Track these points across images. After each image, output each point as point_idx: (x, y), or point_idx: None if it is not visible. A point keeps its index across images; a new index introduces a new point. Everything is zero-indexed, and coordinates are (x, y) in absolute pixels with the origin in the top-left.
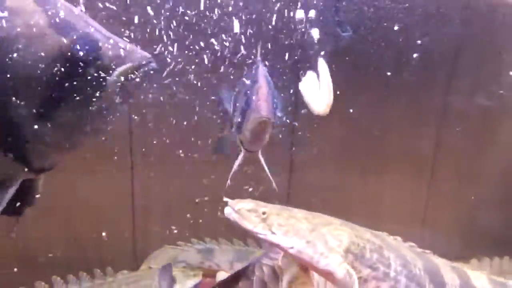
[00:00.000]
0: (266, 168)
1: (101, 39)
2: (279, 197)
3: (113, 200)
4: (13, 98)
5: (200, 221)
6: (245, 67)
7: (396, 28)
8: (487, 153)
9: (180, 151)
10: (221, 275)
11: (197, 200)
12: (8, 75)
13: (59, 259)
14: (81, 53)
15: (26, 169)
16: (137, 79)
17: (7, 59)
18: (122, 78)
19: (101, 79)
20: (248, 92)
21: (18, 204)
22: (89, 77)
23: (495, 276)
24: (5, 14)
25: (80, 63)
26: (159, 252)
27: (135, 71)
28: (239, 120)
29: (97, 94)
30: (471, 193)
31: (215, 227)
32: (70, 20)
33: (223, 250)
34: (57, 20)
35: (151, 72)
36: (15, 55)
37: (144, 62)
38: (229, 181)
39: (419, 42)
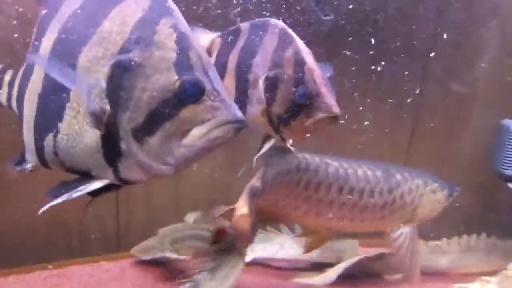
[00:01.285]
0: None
1: (208, 89)
2: None
3: None
4: (125, 113)
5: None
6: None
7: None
8: (459, 139)
9: None
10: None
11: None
12: (127, 96)
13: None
14: (183, 94)
15: (114, 176)
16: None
17: (132, 80)
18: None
19: (191, 124)
20: (286, 72)
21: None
22: (182, 117)
23: None
24: (151, 46)
25: (180, 103)
26: None
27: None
28: (285, 109)
29: (184, 134)
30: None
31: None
32: (193, 65)
33: None
34: (182, 60)
35: (237, 130)
36: (139, 79)
37: (234, 120)
38: (254, 163)
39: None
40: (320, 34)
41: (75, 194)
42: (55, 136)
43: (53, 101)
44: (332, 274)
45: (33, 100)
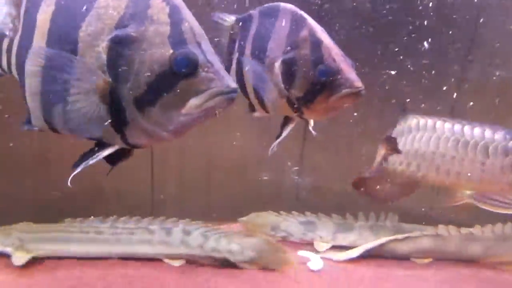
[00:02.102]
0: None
1: (201, 61)
2: None
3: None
4: (126, 85)
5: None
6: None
7: None
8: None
9: None
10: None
11: None
12: (127, 69)
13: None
14: (178, 67)
15: (123, 142)
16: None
17: (130, 54)
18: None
19: (188, 96)
20: (303, 53)
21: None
22: (179, 89)
23: None
24: (145, 20)
25: (176, 76)
26: (261, 214)
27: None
28: (306, 90)
29: (182, 104)
30: None
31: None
32: (186, 38)
33: (323, 222)
34: (175, 33)
35: (230, 100)
36: (137, 52)
37: (227, 91)
38: (275, 147)
39: None
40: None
41: (92, 161)
42: (63, 108)
43: (59, 74)
44: (355, 252)
45: (36, 71)
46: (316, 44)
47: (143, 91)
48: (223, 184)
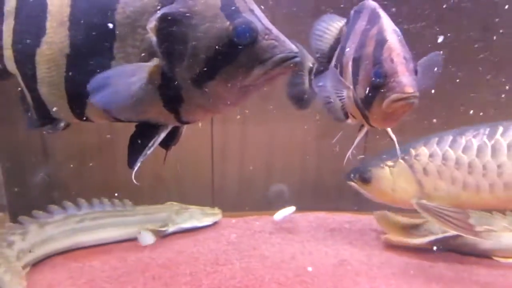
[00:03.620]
0: (393, 137)
1: (260, 28)
2: None
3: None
4: (181, 64)
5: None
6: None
7: None
8: None
9: None
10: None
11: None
12: (181, 47)
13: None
14: (238, 38)
15: (176, 120)
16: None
17: (183, 31)
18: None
19: (251, 65)
20: (367, 52)
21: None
22: (241, 60)
23: None
24: None
25: (237, 47)
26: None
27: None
28: (366, 93)
29: (245, 75)
30: None
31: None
32: (239, 7)
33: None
34: (228, 3)
35: (295, 65)
36: (190, 29)
37: (291, 56)
38: (349, 156)
39: None
40: None
41: (149, 151)
42: (110, 94)
43: (93, 60)
44: (426, 239)
45: (57, 60)
46: (380, 43)
47: (201, 67)
48: (283, 175)
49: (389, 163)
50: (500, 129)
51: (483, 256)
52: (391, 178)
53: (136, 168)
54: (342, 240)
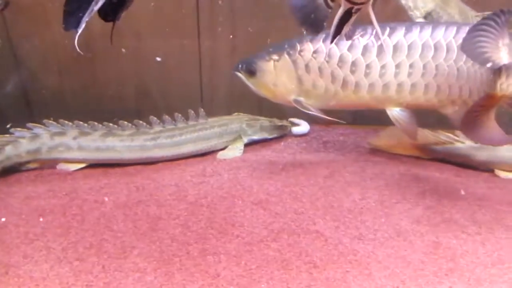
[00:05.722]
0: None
1: None
2: None
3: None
4: None
5: None
6: None
7: None
8: None
9: None
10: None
11: None
12: None
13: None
14: None
15: None
16: None
17: None
18: None
19: None
20: None
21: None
22: None
23: None
24: None
25: None
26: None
27: None
28: None
29: None
30: None
31: None
32: None
33: None
34: None
35: None
36: None
37: None
38: None
39: None
40: None
41: (95, 7)
42: None
43: None
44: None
45: None
46: None
47: None
48: None
49: (275, 56)
50: (387, 30)
51: (481, 169)
52: (274, 72)
53: (80, 31)
54: (335, 152)
